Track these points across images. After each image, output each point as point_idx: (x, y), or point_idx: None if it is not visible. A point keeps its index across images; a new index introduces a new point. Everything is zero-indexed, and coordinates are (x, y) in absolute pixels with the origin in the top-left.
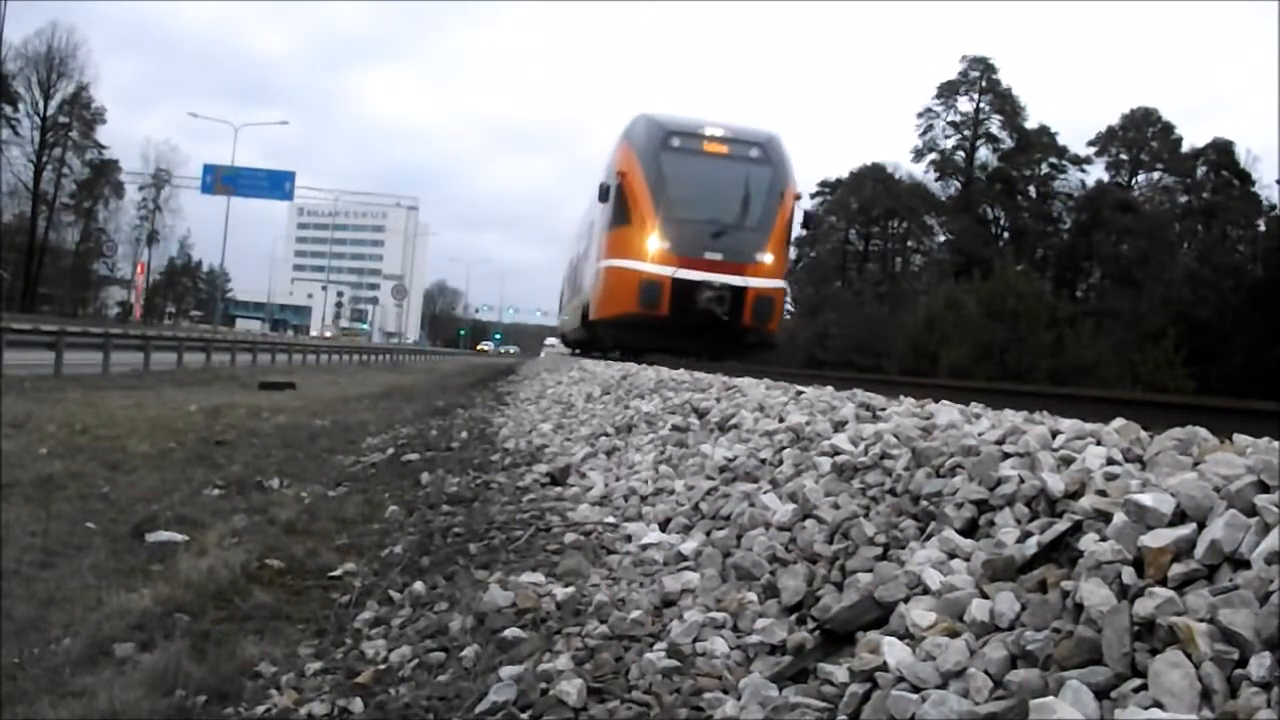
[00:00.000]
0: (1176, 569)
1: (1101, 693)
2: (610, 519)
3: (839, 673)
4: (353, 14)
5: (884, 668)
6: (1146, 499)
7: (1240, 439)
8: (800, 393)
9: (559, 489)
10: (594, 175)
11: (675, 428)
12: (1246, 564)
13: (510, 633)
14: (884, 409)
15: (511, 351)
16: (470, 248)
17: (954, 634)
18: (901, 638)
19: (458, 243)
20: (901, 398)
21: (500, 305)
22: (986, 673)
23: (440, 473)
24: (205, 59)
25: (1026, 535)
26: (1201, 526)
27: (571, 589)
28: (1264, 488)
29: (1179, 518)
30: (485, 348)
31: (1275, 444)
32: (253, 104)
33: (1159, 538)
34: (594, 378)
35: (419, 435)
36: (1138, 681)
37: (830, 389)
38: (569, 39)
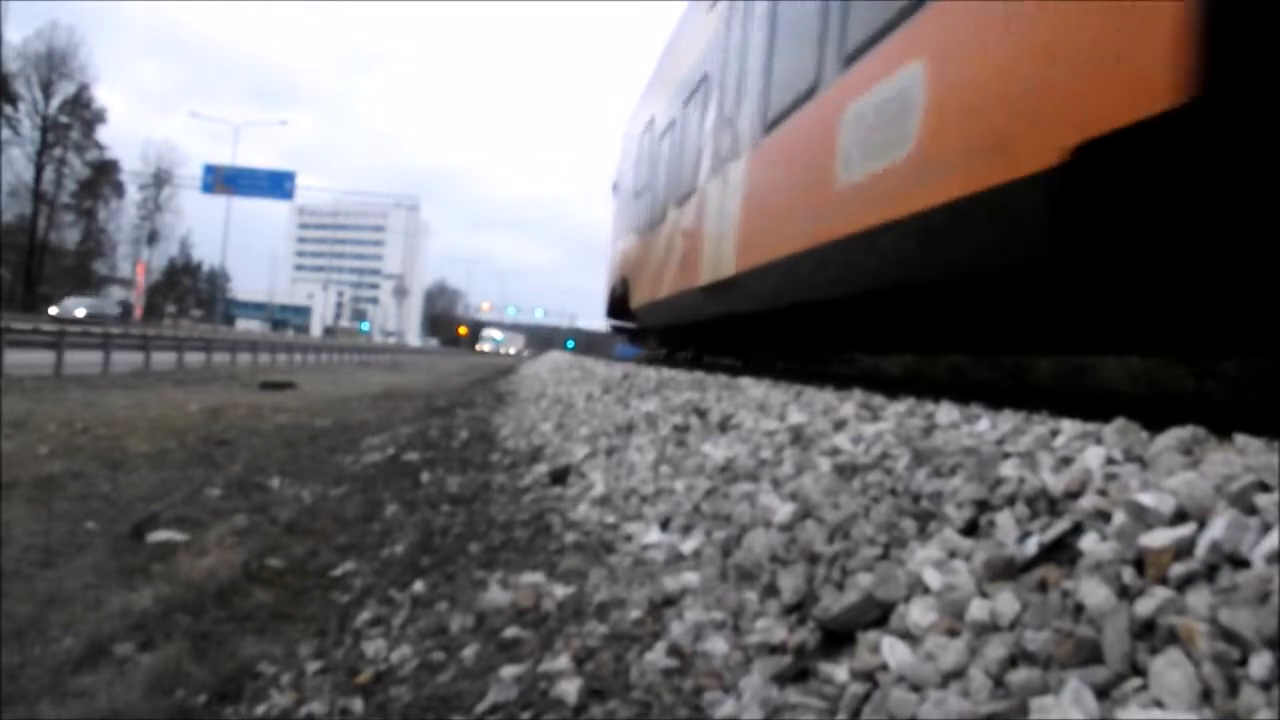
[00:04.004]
0: (1177, 568)
1: (1102, 692)
2: (610, 519)
3: (839, 673)
4: (373, 18)
5: (884, 667)
6: (1147, 499)
7: (1240, 439)
8: (800, 392)
9: (559, 489)
10: (603, 175)
11: (676, 427)
12: (1247, 563)
13: (510, 632)
14: (884, 408)
15: (512, 351)
16: (478, 248)
17: (954, 634)
18: (902, 637)
19: (465, 243)
20: (901, 397)
21: (501, 305)
22: (986, 673)
23: (440, 472)
24: (229, 63)
25: (1026, 535)
26: (1202, 526)
27: (572, 588)
28: (1264, 487)
29: (1179, 517)
30: (485, 348)
31: (1275, 443)
32: (274, 106)
33: (1159, 537)
34: (594, 377)
35: (419, 435)
36: (1138, 681)
37: (830, 388)
38: (585, 41)
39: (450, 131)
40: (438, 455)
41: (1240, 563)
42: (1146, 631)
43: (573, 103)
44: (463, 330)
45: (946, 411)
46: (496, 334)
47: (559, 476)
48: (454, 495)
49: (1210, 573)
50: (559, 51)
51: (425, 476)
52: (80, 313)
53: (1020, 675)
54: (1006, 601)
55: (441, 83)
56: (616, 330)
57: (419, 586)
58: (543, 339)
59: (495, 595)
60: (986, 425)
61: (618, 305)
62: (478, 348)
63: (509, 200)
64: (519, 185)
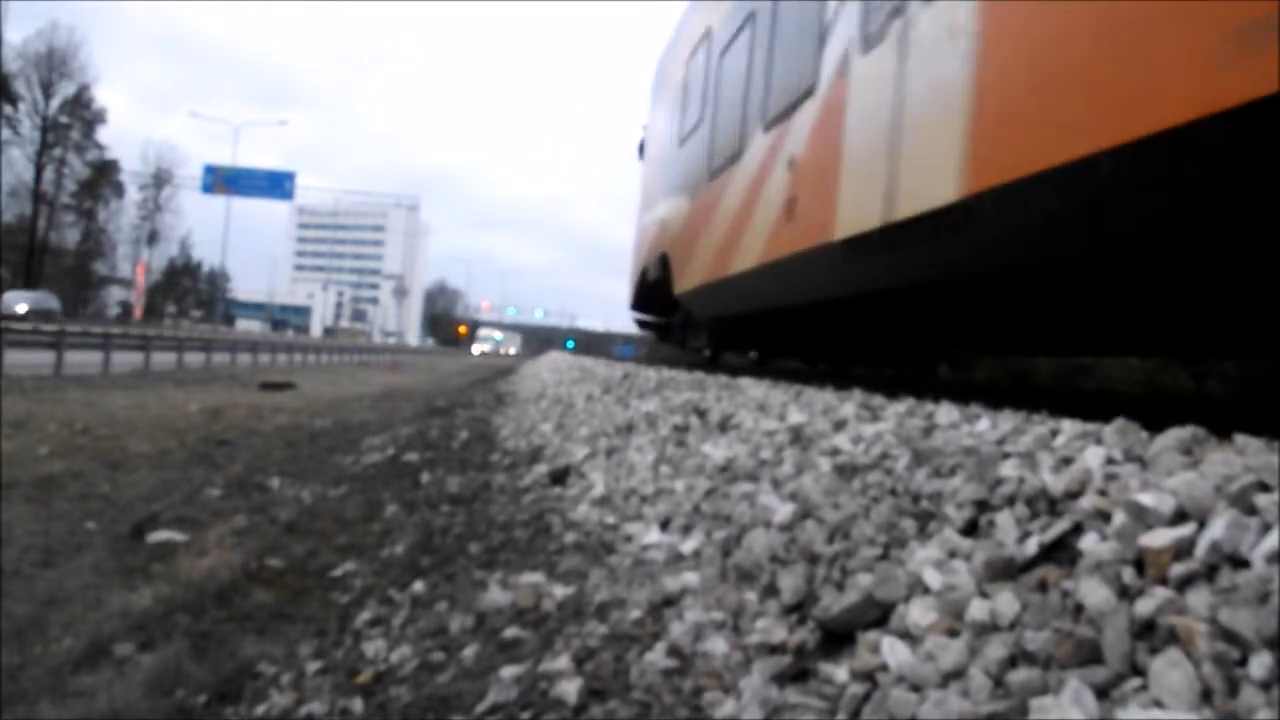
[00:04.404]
0: (1177, 568)
1: (1101, 692)
2: (610, 519)
3: (839, 673)
4: (373, 18)
5: (884, 668)
6: (1146, 499)
7: (1240, 439)
8: (800, 392)
9: (559, 489)
10: (604, 176)
11: (676, 427)
12: (1247, 563)
13: (510, 632)
14: (884, 408)
15: (512, 351)
16: (478, 248)
17: (954, 634)
18: (902, 637)
19: (465, 243)
20: (902, 396)
21: (501, 305)
22: (986, 672)
23: (440, 472)
24: (230, 63)
25: (1026, 535)
26: (1202, 526)
27: (572, 589)
28: (1264, 487)
29: (1179, 517)
30: (485, 348)
31: (1275, 443)
32: (275, 106)
33: (1159, 537)
34: (594, 377)
35: (419, 435)
36: (1138, 681)
37: (830, 388)
38: (584, 41)
39: (450, 131)
40: (438, 455)
41: (1240, 563)
42: (1146, 631)
43: (573, 102)
44: (462, 330)
45: (946, 411)
46: (496, 334)
47: (559, 477)
48: (454, 495)
49: (1210, 573)
50: (559, 51)
51: (425, 477)
52: (21, 308)
53: (1020, 675)
54: (1006, 601)
55: (442, 83)
56: (644, 326)
57: (419, 587)
58: (543, 339)
59: (495, 595)
60: (986, 425)
61: (649, 294)
62: (474, 349)
63: (509, 200)
64: (519, 185)
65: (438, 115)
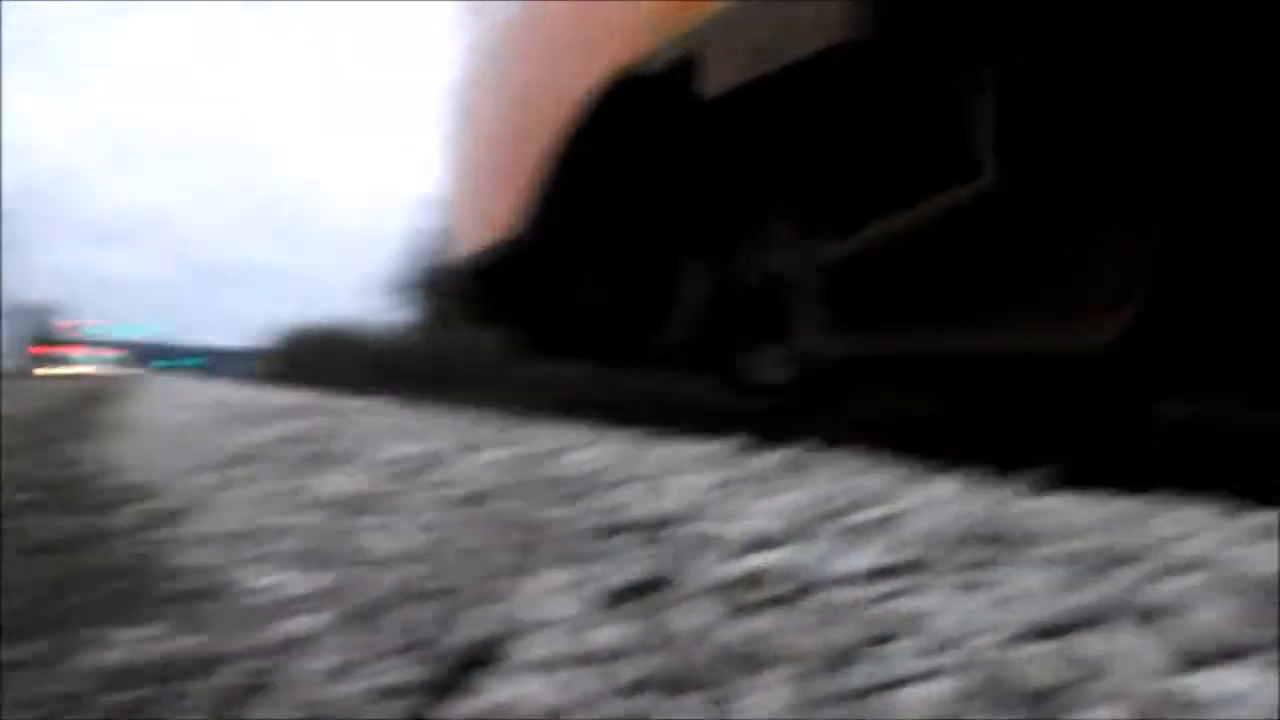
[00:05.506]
0: (763, 594)
1: None
2: (219, 561)
3: (460, 711)
4: None
5: (503, 704)
6: (751, 522)
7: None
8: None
9: (165, 530)
10: None
11: (288, 458)
12: (827, 585)
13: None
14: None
15: None
16: None
17: (573, 664)
18: (519, 671)
19: None
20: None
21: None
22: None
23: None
24: None
25: (634, 562)
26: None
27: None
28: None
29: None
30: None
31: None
32: None
33: (750, 563)
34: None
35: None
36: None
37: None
38: None
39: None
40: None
41: (823, 585)
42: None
43: None
44: None
45: (570, 435)
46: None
47: (161, 519)
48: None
49: (793, 597)
50: None
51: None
52: None
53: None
54: (619, 632)
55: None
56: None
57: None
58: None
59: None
60: (598, 452)
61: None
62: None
63: None
64: None
65: None
